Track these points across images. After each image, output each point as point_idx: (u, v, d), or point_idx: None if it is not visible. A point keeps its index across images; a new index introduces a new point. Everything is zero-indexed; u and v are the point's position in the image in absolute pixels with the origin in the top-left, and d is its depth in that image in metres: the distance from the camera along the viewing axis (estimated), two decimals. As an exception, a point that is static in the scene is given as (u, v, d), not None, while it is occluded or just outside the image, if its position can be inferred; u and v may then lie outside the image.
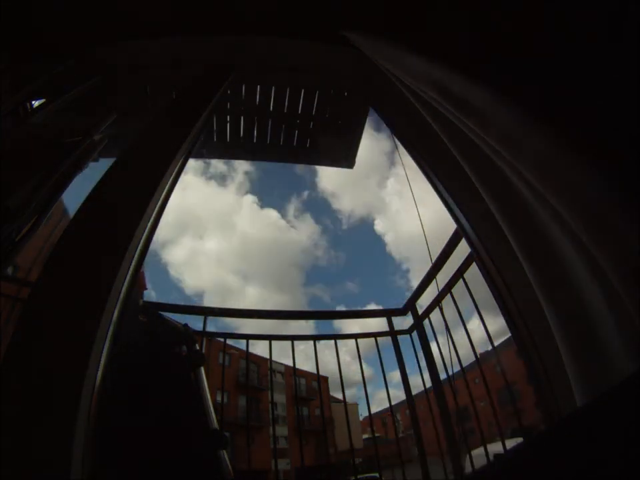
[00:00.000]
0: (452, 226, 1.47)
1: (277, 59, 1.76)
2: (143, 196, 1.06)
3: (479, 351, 1.74)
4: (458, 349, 1.81)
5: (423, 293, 2.12)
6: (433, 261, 1.87)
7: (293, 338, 2.17)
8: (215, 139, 2.28)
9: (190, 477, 1.10)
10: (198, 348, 1.56)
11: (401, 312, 2.27)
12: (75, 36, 1.58)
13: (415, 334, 2.18)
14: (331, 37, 1.52)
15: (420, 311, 2.17)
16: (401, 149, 1.65)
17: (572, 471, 0.20)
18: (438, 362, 2.00)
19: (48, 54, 1.55)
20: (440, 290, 1.89)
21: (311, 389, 22.93)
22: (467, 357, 1.86)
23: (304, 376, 22.52)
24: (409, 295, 2.27)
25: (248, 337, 2.06)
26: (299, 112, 2.16)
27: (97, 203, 1.04)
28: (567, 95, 0.61)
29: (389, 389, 2.13)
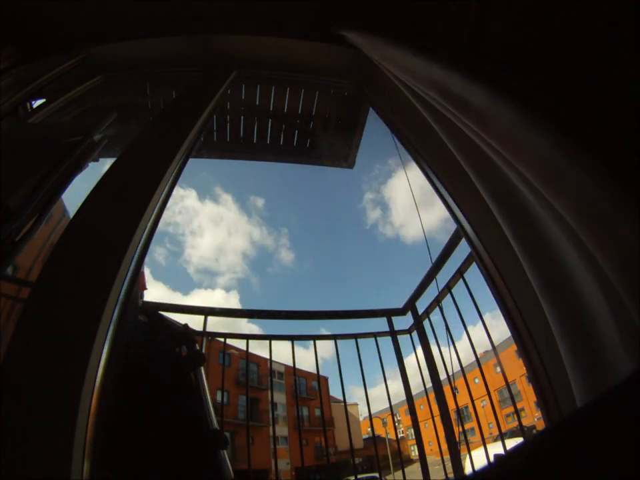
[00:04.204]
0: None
1: (277, 59, 1.76)
2: (143, 196, 1.06)
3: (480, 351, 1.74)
4: (458, 348, 1.81)
5: (423, 292, 2.12)
6: (433, 261, 1.87)
7: (292, 338, 2.17)
8: (215, 139, 2.28)
9: (190, 477, 1.10)
10: (198, 348, 1.56)
11: (400, 312, 2.27)
12: (75, 36, 1.58)
13: (415, 334, 2.18)
14: (331, 36, 1.52)
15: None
16: (401, 149, 1.65)
17: (572, 472, 0.20)
18: (438, 362, 2.00)
19: (48, 54, 1.55)
20: (440, 290, 1.89)
21: (311, 389, 22.93)
22: (468, 357, 1.86)
23: (304, 376, 22.52)
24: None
25: (248, 337, 2.06)
26: (299, 112, 2.16)
27: (96, 202, 1.04)
28: (568, 94, 0.61)
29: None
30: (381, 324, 2.33)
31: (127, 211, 1.02)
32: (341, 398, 2.24)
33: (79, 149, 1.26)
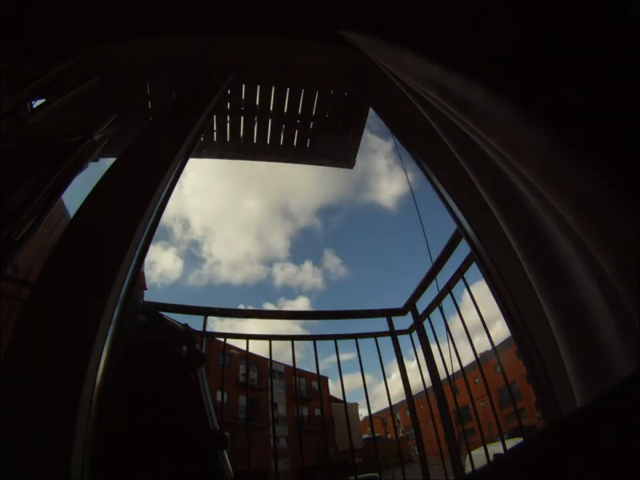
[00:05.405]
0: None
1: (277, 59, 1.76)
2: (143, 196, 1.06)
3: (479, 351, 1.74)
4: (458, 348, 1.81)
5: (423, 292, 2.12)
6: (433, 261, 1.87)
7: (292, 338, 2.17)
8: (215, 139, 2.28)
9: (190, 477, 1.10)
10: (198, 348, 1.56)
11: (401, 312, 2.27)
12: (75, 36, 1.58)
13: (415, 334, 2.18)
14: (331, 36, 1.52)
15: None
16: (401, 149, 1.65)
17: (572, 471, 0.20)
18: (438, 362, 2.00)
19: (48, 54, 1.55)
20: (440, 290, 1.89)
21: (311, 389, 22.94)
22: (468, 357, 1.86)
23: (304, 376, 22.52)
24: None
25: (248, 337, 2.06)
26: (299, 112, 2.16)
27: (96, 202, 1.04)
28: (569, 94, 0.61)
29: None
30: (381, 324, 2.33)
31: (127, 211, 1.02)
32: (341, 398, 2.24)
33: (79, 149, 1.27)
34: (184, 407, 1.27)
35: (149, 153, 1.24)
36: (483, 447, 1.65)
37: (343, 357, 2.12)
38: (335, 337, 2.14)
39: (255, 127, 2.24)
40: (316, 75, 1.87)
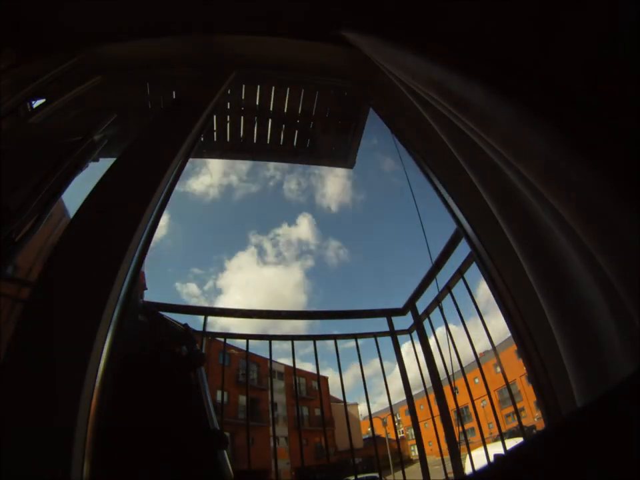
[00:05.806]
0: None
1: (277, 59, 1.76)
2: (143, 196, 1.06)
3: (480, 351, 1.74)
4: (458, 348, 1.81)
5: (423, 292, 2.12)
6: (433, 261, 1.87)
7: (292, 338, 2.17)
8: (215, 139, 2.29)
9: (190, 477, 1.10)
10: (198, 348, 1.56)
11: (400, 312, 2.27)
12: (75, 36, 1.58)
13: (415, 334, 2.18)
14: (331, 37, 1.52)
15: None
16: (401, 149, 1.65)
17: (572, 471, 0.20)
18: (438, 362, 2.00)
19: (48, 54, 1.55)
20: (440, 290, 1.89)
21: (311, 389, 22.95)
22: (468, 357, 1.87)
23: (304, 376, 22.54)
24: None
25: (248, 337, 2.06)
26: (299, 112, 2.16)
27: (97, 202, 1.04)
28: (568, 94, 0.61)
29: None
30: (381, 324, 2.34)
31: (127, 211, 1.02)
32: (341, 398, 2.24)
33: (79, 149, 1.26)
34: (184, 407, 1.27)
35: (149, 153, 1.24)
36: (483, 447, 1.66)
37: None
38: (335, 337, 2.15)
39: (255, 127, 2.24)
40: (316, 74, 1.87)
